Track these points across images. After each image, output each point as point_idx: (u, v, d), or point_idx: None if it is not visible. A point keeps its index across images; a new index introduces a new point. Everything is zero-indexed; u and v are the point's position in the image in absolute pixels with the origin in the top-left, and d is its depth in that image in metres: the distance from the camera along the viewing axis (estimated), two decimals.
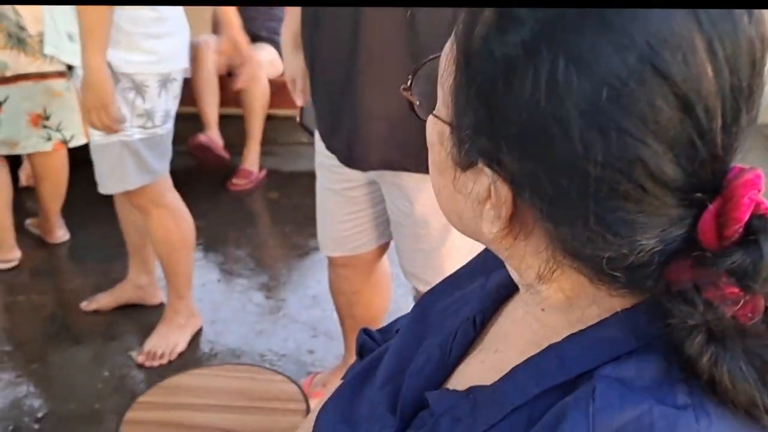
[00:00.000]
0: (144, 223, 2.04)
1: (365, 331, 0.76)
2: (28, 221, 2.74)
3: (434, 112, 0.49)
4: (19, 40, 2.23)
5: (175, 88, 1.87)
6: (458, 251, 1.37)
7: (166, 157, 1.93)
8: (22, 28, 2.21)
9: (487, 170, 0.44)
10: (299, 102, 1.58)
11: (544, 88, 0.39)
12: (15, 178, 2.72)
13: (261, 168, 3.29)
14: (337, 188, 1.49)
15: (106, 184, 1.89)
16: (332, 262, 1.68)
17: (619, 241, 0.41)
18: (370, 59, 1.20)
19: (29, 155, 2.52)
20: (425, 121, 0.51)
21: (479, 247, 1.38)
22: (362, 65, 1.21)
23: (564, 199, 0.41)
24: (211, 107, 3.09)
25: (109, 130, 1.70)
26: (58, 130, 2.38)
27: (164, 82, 1.81)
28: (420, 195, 1.33)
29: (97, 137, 1.80)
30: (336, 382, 1.82)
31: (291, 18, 1.55)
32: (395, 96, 1.18)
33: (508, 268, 0.53)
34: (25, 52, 2.24)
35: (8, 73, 2.25)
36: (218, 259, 2.65)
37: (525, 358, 0.48)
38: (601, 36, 0.38)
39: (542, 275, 0.47)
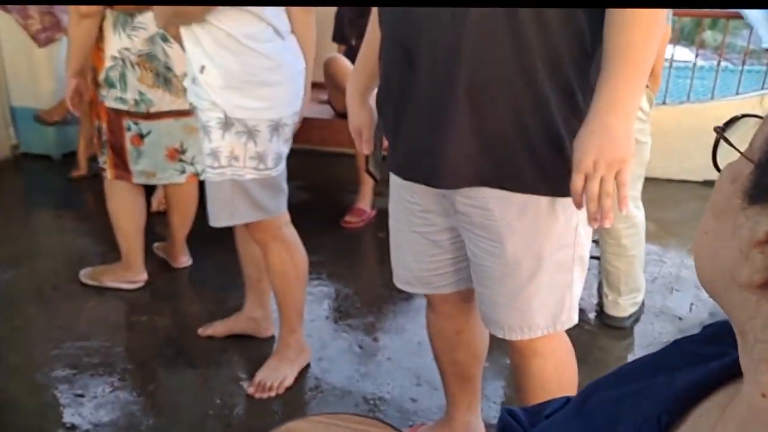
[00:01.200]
0: (262, 257, 2.10)
1: (509, 412, 0.71)
2: (156, 245, 2.87)
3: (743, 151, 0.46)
4: (165, 80, 2.36)
5: (287, 132, 1.91)
6: (543, 289, 1.34)
7: (281, 196, 1.97)
8: (169, 69, 2.34)
9: None
10: (366, 151, 1.59)
11: None
12: (147, 204, 2.87)
13: (373, 207, 3.32)
14: (422, 231, 1.48)
15: (217, 218, 1.93)
16: (432, 302, 1.64)
17: None
18: (473, 83, 1.19)
19: (163, 184, 2.65)
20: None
21: (561, 286, 1.35)
22: (463, 90, 1.20)
23: None
24: None
25: None
26: (191, 163, 2.49)
27: (275, 127, 1.86)
28: (513, 235, 1.29)
29: (210, 174, 1.86)
30: None
31: (358, 75, 1.57)
32: (495, 117, 1.20)
33: (742, 344, 0.47)
34: (169, 92, 2.37)
35: (152, 110, 2.38)
36: (328, 295, 2.67)
37: None
38: None
39: None
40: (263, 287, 2.25)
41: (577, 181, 1.17)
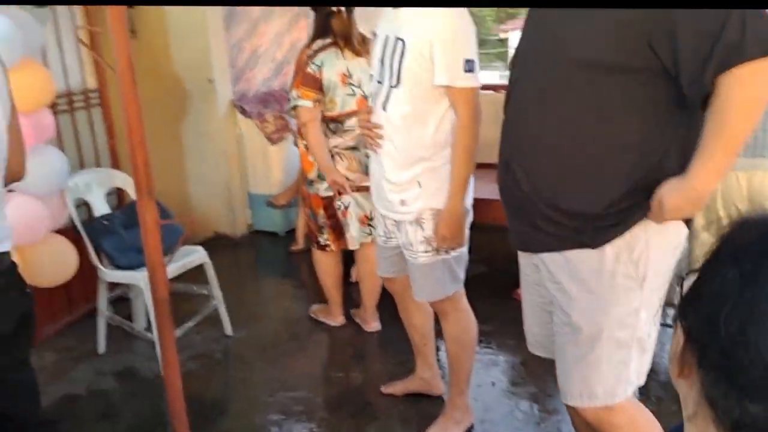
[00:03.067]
0: (423, 324, 2.42)
1: None
2: (353, 311, 3.27)
3: None
4: (366, 166, 2.80)
5: (470, 217, 2.18)
6: (602, 363, 1.49)
7: (465, 268, 2.23)
8: (368, 157, 2.79)
9: (679, 326, 0.62)
10: None
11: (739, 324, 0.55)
12: (347, 274, 3.29)
13: None
14: (537, 301, 1.69)
15: (431, 294, 2.20)
16: None
17: (753, 408, 0.53)
18: (545, 190, 1.48)
19: (356, 251, 3.08)
20: None
21: (620, 363, 1.53)
22: (539, 195, 1.49)
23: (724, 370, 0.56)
24: None
25: (450, 248, 2.10)
26: (375, 229, 2.89)
27: (466, 212, 2.14)
28: (577, 305, 1.49)
29: (423, 258, 2.13)
30: None
31: None
32: (554, 208, 1.47)
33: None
34: (366, 174, 2.80)
35: (352, 187, 2.86)
36: (495, 363, 2.84)
37: None
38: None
39: (689, 415, 0.60)
40: (427, 351, 2.51)
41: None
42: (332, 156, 2.82)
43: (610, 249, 1.44)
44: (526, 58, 1.51)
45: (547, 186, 1.46)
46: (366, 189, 2.81)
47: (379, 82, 2.07)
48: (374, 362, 2.98)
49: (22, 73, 2.44)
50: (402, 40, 1.97)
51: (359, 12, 2.87)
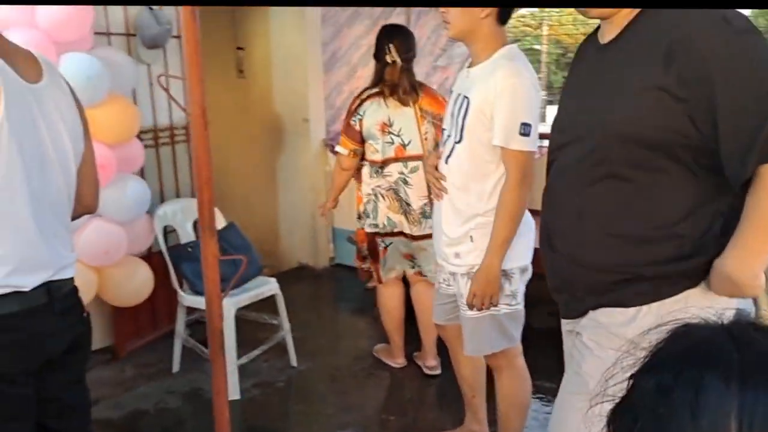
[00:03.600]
0: (475, 377, 2.35)
1: None
2: (415, 354, 3.23)
3: None
4: (405, 211, 2.90)
5: (528, 274, 2.13)
6: (596, 425, 1.36)
7: (521, 327, 2.16)
8: (408, 204, 2.88)
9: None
10: None
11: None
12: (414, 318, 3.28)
13: None
14: (576, 370, 1.58)
15: (476, 348, 2.16)
16: None
17: None
18: (585, 264, 1.44)
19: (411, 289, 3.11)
20: None
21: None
22: (579, 265, 1.44)
23: None
24: None
25: (480, 306, 2.04)
26: (418, 266, 3.00)
27: (523, 270, 2.10)
28: (591, 358, 1.42)
29: (471, 312, 2.10)
30: None
31: None
32: (588, 278, 1.43)
33: None
34: (408, 220, 2.91)
35: (395, 230, 2.93)
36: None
37: None
38: None
39: None
40: (477, 404, 2.44)
41: None
42: (375, 195, 2.93)
43: (635, 327, 1.36)
44: (566, 129, 1.49)
45: (586, 257, 1.43)
46: (404, 235, 2.94)
47: (449, 136, 2.09)
48: (427, 408, 2.92)
49: (108, 108, 2.69)
50: (468, 98, 1.99)
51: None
